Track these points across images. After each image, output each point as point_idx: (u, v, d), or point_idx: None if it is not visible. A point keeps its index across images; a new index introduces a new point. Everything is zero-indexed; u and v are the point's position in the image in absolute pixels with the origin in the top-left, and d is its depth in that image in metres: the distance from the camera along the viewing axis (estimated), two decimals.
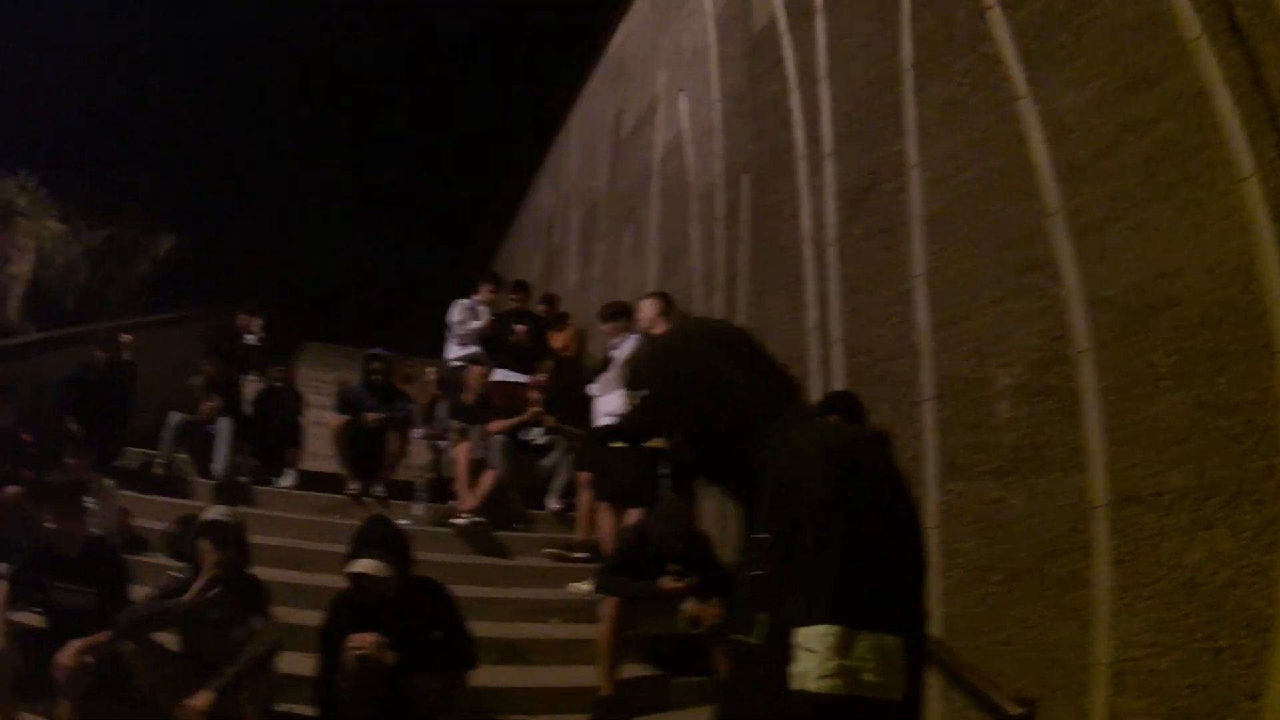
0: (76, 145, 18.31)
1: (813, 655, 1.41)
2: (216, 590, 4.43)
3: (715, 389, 1.72)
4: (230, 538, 4.54)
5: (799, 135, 5.55)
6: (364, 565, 4.36)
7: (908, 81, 4.39)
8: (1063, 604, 3.07)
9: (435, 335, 10.47)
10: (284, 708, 4.53)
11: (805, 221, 5.36)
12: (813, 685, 1.40)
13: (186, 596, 4.39)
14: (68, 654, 4.22)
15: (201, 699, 4.05)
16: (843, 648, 1.41)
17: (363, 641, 4.22)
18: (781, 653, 1.46)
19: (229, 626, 4.42)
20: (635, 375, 1.84)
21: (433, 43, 26.81)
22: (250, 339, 13.17)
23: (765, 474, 1.57)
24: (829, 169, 5.19)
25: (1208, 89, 2.75)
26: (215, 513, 4.71)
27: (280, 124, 26.66)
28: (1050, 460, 3.22)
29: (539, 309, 9.49)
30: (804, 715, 1.41)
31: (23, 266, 14.26)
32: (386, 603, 4.38)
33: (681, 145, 7.85)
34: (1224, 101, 2.69)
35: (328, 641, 4.38)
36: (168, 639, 4.56)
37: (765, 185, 6.01)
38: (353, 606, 4.45)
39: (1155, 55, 2.96)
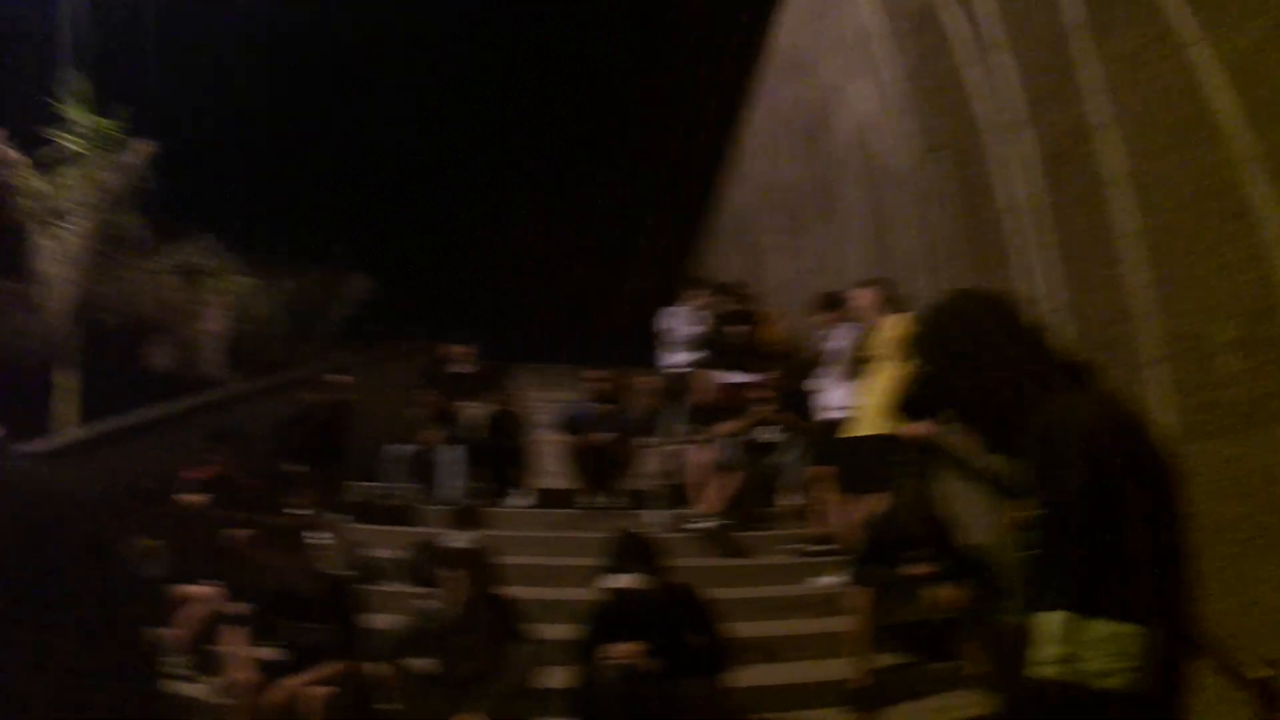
0: (265, 197, 19.86)
1: (1043, 641, 1.48)
2: (467, 614, 4.75)
3: (994, 362, 1.77)
4: (475, 562, 4.88)
5: (984, 107, 5.57)
6: (624, 580, 4.63)
7: (1082, 40, 4.37)
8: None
9: (640, 344, 10.85)
10: None
11: (1006, 193, 5.37)
12: (1040, 671, 1.47)
13: (429, 615, 4.75)
14: (307, 684, 4.63)
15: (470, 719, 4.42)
16: (1070, 635, 1.46)
17: (623, 651, 4.46)
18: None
19: (482, 649, 4.70)
20: (915, 349, 1.90)
21: (600, 58, 27.27)
22: (460, 367, 13.94)
23: (1032, 449, 1.65)
24: (1026, 136, 5.18)
25: None
26: (458, 540, 5.16)
27: (463, 149, 27.75)
28: (1273, 411, 3.18)
29: (726, 303, 9.70)
30: (1031, 701, 1.49)
31: (217, 323, 15.82)
32: (642, 611, 4.63)
33: (869, 130, 7.91)
34: None
35: (586, 654, 4.63)
36: (419, 662, 4.81)
37: (960, 160, 6.05)
38: (609, 618, 4.70)
39: None
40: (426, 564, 6.62)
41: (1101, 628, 1.45)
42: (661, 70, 26.64)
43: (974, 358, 1.79)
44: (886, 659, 5.60)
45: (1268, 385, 3.26)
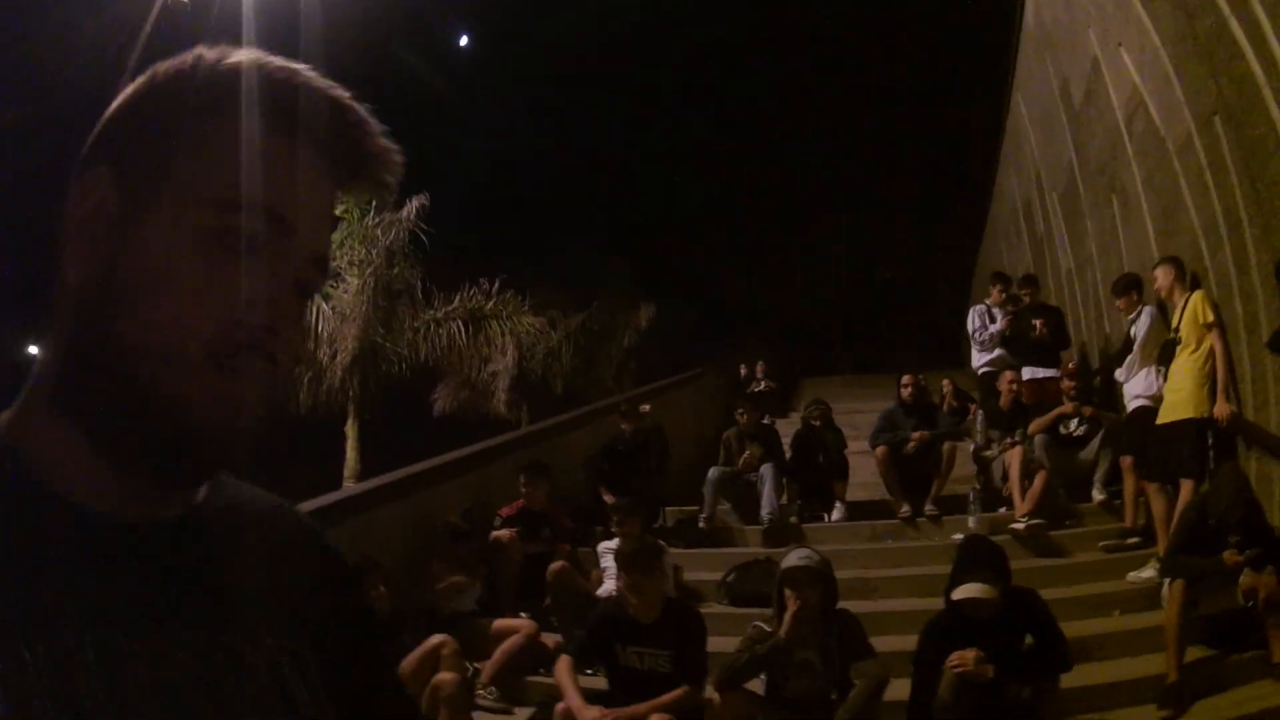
0: (544, 237, 21.03)
1: None
2: (810, 633, 4.81)
3: None
4: (813, 580, 4.86)
5: (1256, 66, 5.45)
6: (970, 590, 4.74)
7: None
8: None
9: (943, 345, 10.93)
10: None
11: None
12: None
13: (767, 638, 4.86)
14: (645, 713, 4.78)
15: None
16: None
17: (964, 658, 4.59)
18: None
19: (820, 668, 4.83)
20: None
21: (864, 70, 27.21)
22: (760, 385, 14.37)
23: None
24: None
25: None
26: (795, 558, 5.01)
27: (740, 166, 28.37)
28: None
29: (1023, 296, 9.74)
30: None
31: (502, 364, 16.90)
32: (983, 617, 4.74)
33: (1142, 101, 7.76)
34: None
35: (924, 664, 4.81)
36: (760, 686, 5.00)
37: (1240, 123, 5.90)
38: (946, 627, 4.87)
39: None
40: (747, 584, 7.06)
41: None
42: (921, 72, 26.52)
43: None
44: (1195, 651, 5.55)
45: None
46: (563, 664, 5.24)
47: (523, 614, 6.66)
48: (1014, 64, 12.71)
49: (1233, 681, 5.36)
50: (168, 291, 0.69)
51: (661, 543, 7.01)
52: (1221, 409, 6.28)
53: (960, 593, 4.75)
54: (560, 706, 5.05)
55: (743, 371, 15.52)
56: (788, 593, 4.87)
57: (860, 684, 4.70)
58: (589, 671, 5.45)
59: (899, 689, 4.98)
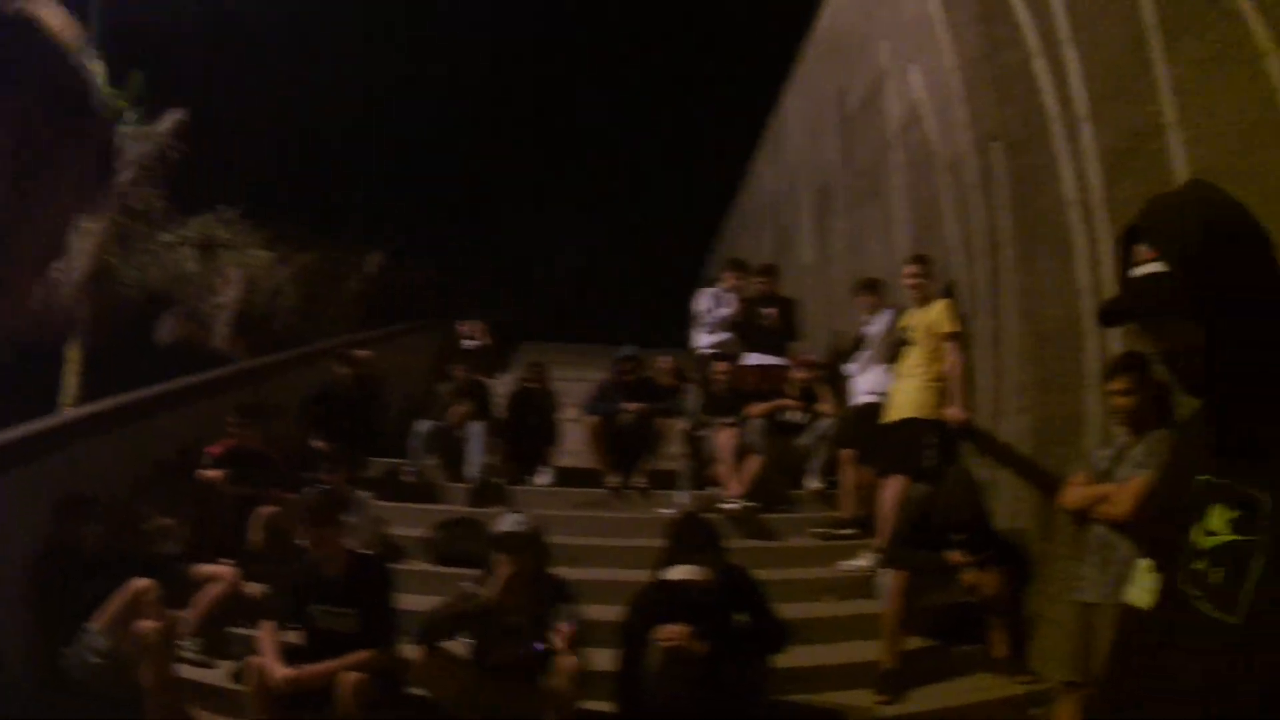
0: (281, 173, 20.28)
1: None
2: (514, 597, 4.85)
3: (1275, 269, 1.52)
4: (526, 546, 4.95)
5: (1049, 100, 6.00)
6: (683, 572, 4.85)
7: (1157, 41, 4.83)
8: None
9: (672, 324, 11.18)
10: (581, 705, 4.97)
11: (1067, 185, 5.81)
12: None
13: (474, 599, 4.87)
14: (334, 670, 4.74)
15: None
16: None
17: (673, 633, 4.69)
18: (1272, 642, 1.37)
19: (525, 632, 4.87)
20: (1152, 228, 1.58)
21: (642, 34, 27.61)
22: (470, 344, 14.33)
23: None
24: (1086, 132, 5.63)
25: None
26: (509, 523, 5.10)
27: (490, 123, 28.21)
28: None
29: (758, 284, 10.11)
30: None
31: (230, 296, 16.18)
32: (693, 593, 4.84)
33: (920, 116, 8.35)
34: None
35: (632, 637, 4.88)
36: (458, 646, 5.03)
37: (1019, 151, 6.47)
38: (656, 600, 4.94)
39: None
40: (451, 543, 7.00)
41: None
42: (702, 54, 27.18)
43: (1247, 245, 1.53)
44: (915, 641, 6.00)
45: None
46: (266, 626, 5.12)
47: (227, 561, 6.36)
48: (797, 64, 13.30)
49: (952, 672, 5.86)
50: None
51: (362, 493, 7.17)
52: (954, 414, 6.88)
53: (674, 574, 4.86)
54: (253, 660, 4.99)
55: (463, 329, 15.46)
56: (499, 557, 4.94)
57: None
58: (292, 628, 5.25)
59: (602, 659, 5.05)
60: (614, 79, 27.87)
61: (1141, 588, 1.63)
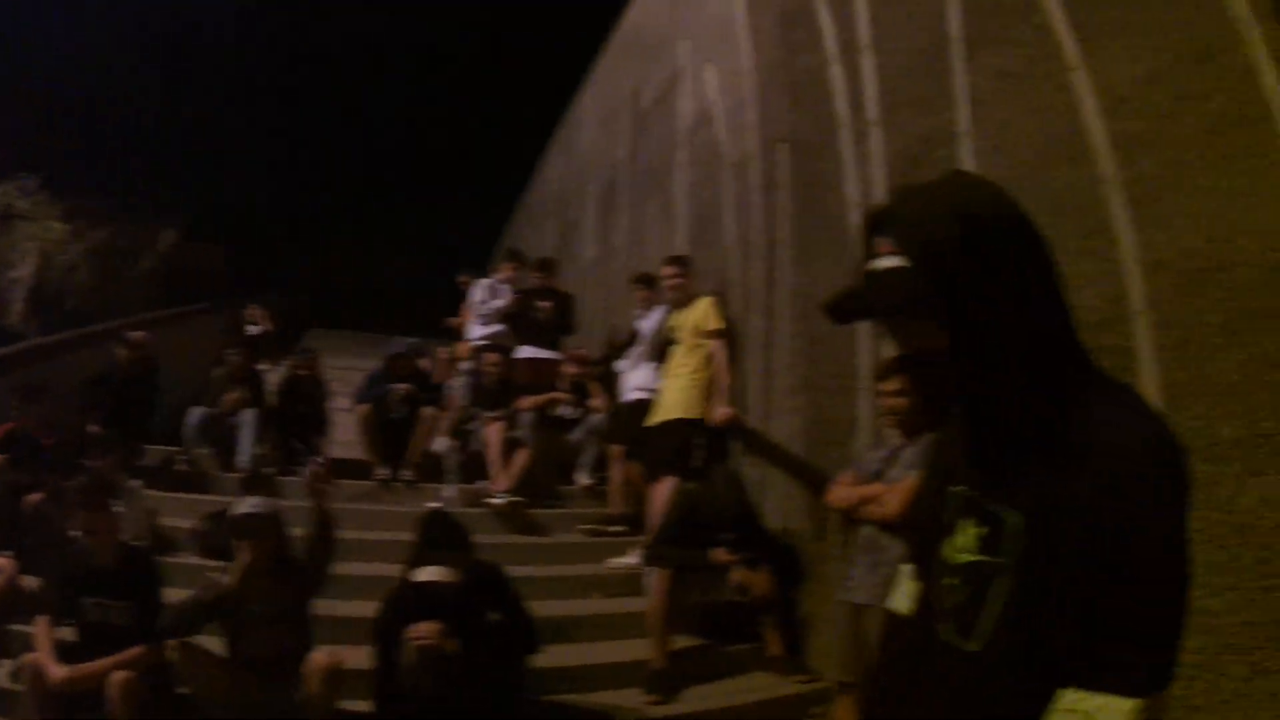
0: (79, 145, 18.71)
1: None
2: (259, 587, 4.50)
3: (1037, 275, 1.35)
4: (264, 529, 4.58)
5: (841, 105, 5.87)
6: (430, 574, 4.51)
7: (958, 51, 4.72)
8: None
9: (451, 314, 10.75)
10: (339, 704, 4.62)
11: (852, 190, 5.69)
12: None
13: (217, 588, 4.47)
14: (104, 669, 4.35)
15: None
16: None
17: (423, 631, 4.36)
18: (1009, 674, 1.27)
19: (275, 621, 4.53)
20: (896, 218, 1.37)
21: (442, 21, 27.08)
22: (254, 329, 13.52)
23: (1046, 437, 1.30)
24: (875, 138, 5.51)
25: (1256, 67, 3.09)
26: (246, 505, 4.73)
27: (287, 107, 27.08)
28: None
29: (534, 278, 9.76)
30: None
31: (25, 270, 14.65)
32: (445, 592, 4.51)
33: (711, 117, 8.15)
34: (1271, 79, 3.03)
35: (384, 634, 4.52)
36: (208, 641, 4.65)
37: (805, 154, 6.32)
38: (407, 598, 4.57)
39: (1207, 33, 3.30)
40: (217, 534, 6.25)
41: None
42: (503, 45, 26.70)
43: (1002, 246, 1.32)
44: (685, 640, 5.77)
45: None
46: (40, 622, 4.70)
47: (4, 553, 5.74)
48: (597, 59, 12.97)
49: (727, 671, 5.59)
50: None
51: (134, 482, 6.74)
52: (718, 413, 6.66)
53: (421, 575, 4.57)
54: (29, 658, 4.60)
55: (248, 314, 14.58)
56: (238, 543, 4.59)
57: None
58: (67, 623, 4.76)
59: (364, 657, 4.65)
60: (413, 66, 27.16)
61: (902, 593, 1.54)
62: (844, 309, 1.43)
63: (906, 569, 1.57)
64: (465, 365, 9.96)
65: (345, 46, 27.51)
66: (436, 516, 5.14)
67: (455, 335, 10.61)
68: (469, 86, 27.33)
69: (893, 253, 1.33)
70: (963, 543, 1.36)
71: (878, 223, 1.39)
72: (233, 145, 25.14)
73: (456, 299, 10.84)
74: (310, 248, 25.90)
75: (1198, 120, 3.32)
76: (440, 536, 4.80)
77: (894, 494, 4.15)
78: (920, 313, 1.32)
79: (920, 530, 1.52)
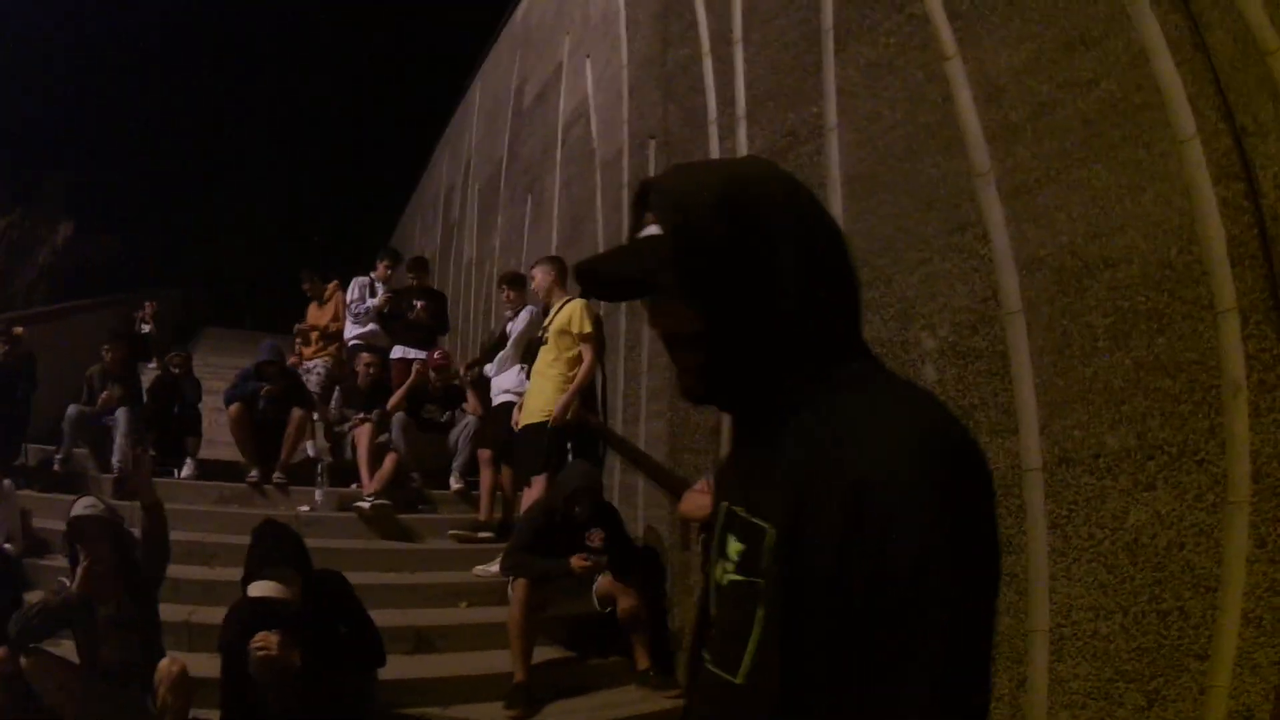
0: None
1: None
2: (102, 591, 4.07)
3: (806, 261, 1.09)
4: (101, 532, 4.13)
5: (711, 99, 5.44)
6: (263, 589, 4.06)
7: (828, 43, 4.32)
8: None
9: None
10: (201, 713, 4.20)
11: None
12: None
13: (65, 593, 4.07)
14: None
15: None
16: None
17: (266, 642, 3.95)
18: (773, 712, 1.01)
19: (124, 626, 4.08)
20: (661, 188, 1.15)
21: (340, 16, 26.36)
22: (145, 327, 12.78)
23: (799, 441, 1.05)
24: (742, 132, 5.10)
25: (1149, 50, 2.72)
26: (81, 506, 4.26)
27: (179, 102, 25.79)
28: (980, 423, 3.18)
29: (409, 278, 9.12)
30: None
31: None
32: (288, 602, 4.06)
33: (587, 112, 7.67)
34: (1166, 64, 2.66)
35: (229, 648, 4.09)
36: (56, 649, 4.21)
37: (674, 150, 5.88)
38: (251, 610, 4.11)
39: (1094, 16, 2.92)
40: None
41: None
42: (398, 41, 25.84)
43: (762, 232, 1.09)
44: (552, 652, 5.30)
45: (969, 396, 3.27)
46: None
47: None
48: (485, 55, 12.35)
49: (594, 685, 5.10)
50: None
51: (7, 482, 6.22)
52: (572, 412, 6.20)
53: (255, 590, 4.09)
54: None
55: (140, 311, 13.64)
56: (78, 546, 4.15)
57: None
58: None
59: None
60: (308, 62, 26.18)
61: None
62: (588, 273, 1.16)
63: None
64: (310, 365, 9.45)
65: (239, 36, 26.34)
66: (267, 529, 4.57)
67: (304, 340, 9.96)
68: (368, 83, 26.42)
69: (653, 222, 1.13)
70: (725, 562, 1.13)
71: (644, 193, 1.17)
72: (129, 135, 23.87)
73: (303, 302, 10.17)
74: (207, 244, 24.76)
75: (1081, 109, 2.94)
76: (273, 550, 4.27)
77: None
78: (671, 289, 1.10)
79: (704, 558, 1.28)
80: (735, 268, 1.08)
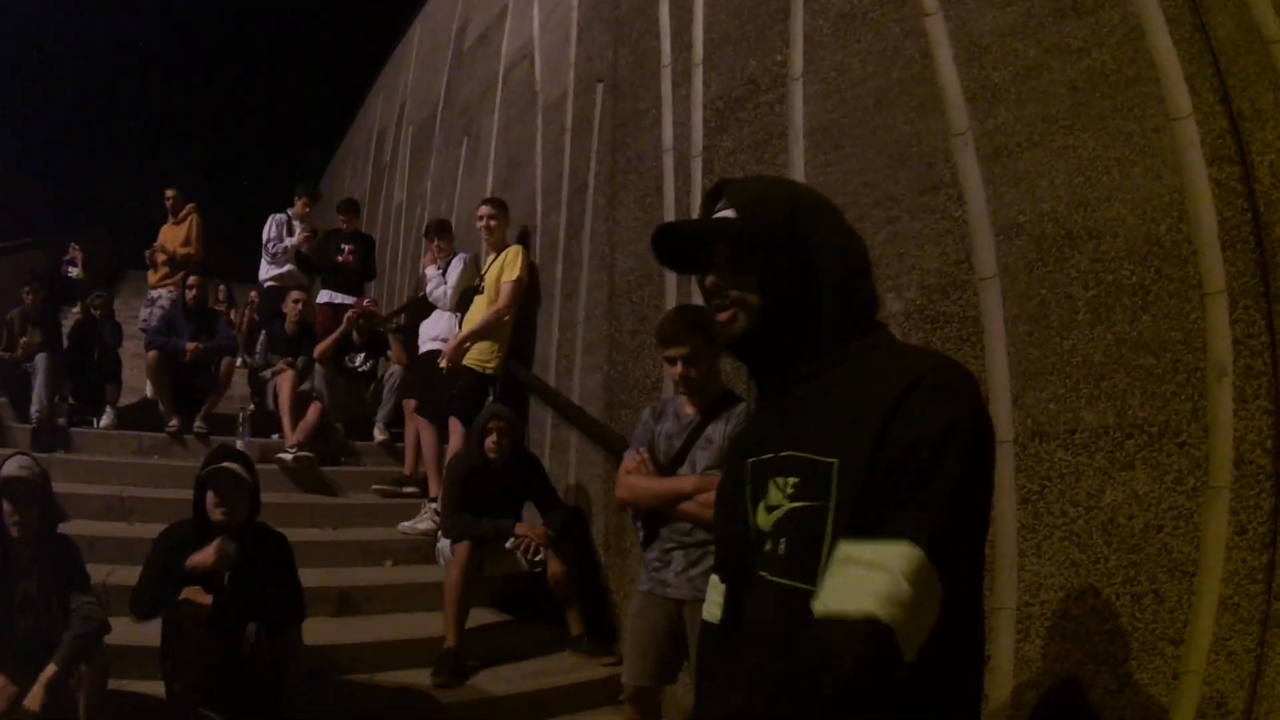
0: None
1: (877, 573, 1.16)
2: (22, 559, 3.78)
3: (834, 256, 1.41)
4: (31, 494, 3.83)
5: (666, 44, 5.24)
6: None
7: None
8: None
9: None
10: (120, 684, 3.98)
11: (668, 132, 5.09)
12: (876, 607, 1.14)
13: None
14: None
15: (33, 699, 3.44)
16: (921, 581, 1.15)
17: (192, 596, 3.74)
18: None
19: (44, 601, 3.78)
20: (740, 188, 1.49)
21: None
22: (72, 271, 12.21)
23: (852, 387, 1.31)
24: (697, 78, 4.91)
25: (1146, 26, 2.62)
26: (14, 466, 3.93)
27: (99, 31, 24.59)
28: None
29: (339, 221, 8.72)
30: (853, 643, 1.14)
31: None
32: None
33: (531, 54, 7.40)
34: (1163, 40, 2.56)
35: (150, 570, 3.86)
36: None
37: (623, 94, 5.68)
38: (184, 540, 3.91)
39: None
40: None
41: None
42: None
43: (814, 232, 1.43)
44: (486, 615, 5.15)
45: None
46: None
47: None
48: None
49: (529, 651, 4.95)
50: None
51: None
52: (451, 343, 6.24)
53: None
54: None
55: (66, 254, 12.98)
56: (5, 506, 3.81)
57: (76, 626, 3.68)
58: None
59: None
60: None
61: (713, 602, 1.54)
62: (676, 233, 1.50)
63: (714, 578, 1.57)
64: (154, 294, 9.15)
65: None
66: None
67: (151, 264, 9.52)
68: (303, 22, 25.53)
69: (725, 209, 1.45)
70: (776, 499, 1.35)
71: (720, 187, 1.50)
72: (55, 71, 22.86)
73: (159, 222, 9.70)
74: (132, 184, 23.89)
75: (1069, 75, 2.83)
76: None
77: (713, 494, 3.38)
78: (743, 265, 1.41)
79: (724, 526, 1.51)
80: (786, 251, 1.40)
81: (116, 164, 24.18)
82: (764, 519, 1.37)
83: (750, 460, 1.43)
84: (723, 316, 1.43)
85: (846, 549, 1.21)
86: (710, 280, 1.44)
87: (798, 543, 1.30)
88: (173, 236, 9.45)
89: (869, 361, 1.35)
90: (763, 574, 1.35)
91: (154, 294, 9.31)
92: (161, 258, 9.35)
